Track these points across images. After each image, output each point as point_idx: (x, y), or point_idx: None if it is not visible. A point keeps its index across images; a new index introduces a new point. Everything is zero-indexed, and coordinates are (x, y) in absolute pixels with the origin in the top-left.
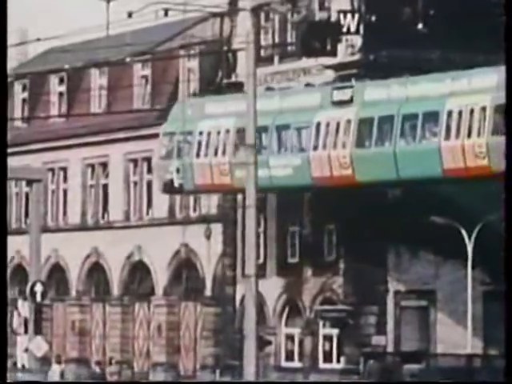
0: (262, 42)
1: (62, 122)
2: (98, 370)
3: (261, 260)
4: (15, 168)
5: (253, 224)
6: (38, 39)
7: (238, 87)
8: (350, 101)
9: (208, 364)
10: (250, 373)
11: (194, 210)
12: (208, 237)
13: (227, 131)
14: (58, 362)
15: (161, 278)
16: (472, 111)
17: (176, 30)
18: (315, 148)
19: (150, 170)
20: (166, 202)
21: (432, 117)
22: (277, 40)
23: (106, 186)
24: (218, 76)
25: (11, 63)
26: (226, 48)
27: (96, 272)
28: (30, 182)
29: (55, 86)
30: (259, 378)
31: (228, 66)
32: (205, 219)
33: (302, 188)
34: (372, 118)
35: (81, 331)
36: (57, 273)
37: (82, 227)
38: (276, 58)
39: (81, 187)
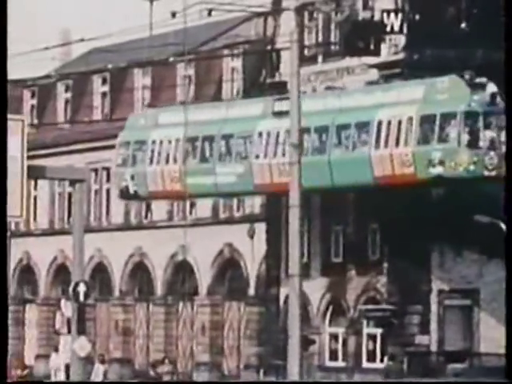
0: (306, 42)
1: (105, 122)
2: (152, 372)
3: (305, 259)
4: (58, 168)
5: (296, 223)
6: (82, 39)
7: (281, 87)
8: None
9: (252, 364)
10: (293, 372)
11: (238, 209)
12: (252, 236)
13: (177, 140)
14: (102, 362)
15: (204, 277)
16: (400, 122)
17: (220, 29)
18: (257, 156)
19: None
20: (209, 201)
21: (364, 127)
22: (320, 39)
23: None
24: (262, 75)
25: (54, 64)
26: (269, 47)
27: (139, 272)
28: (73, 182)
29: (98, 87)
30: (303, 378)
31: (271, 65)
32: (248, 219)
33: (245, 194)
34: (308, 128)
35: (124, 331)
36: (100, 273)
37: (126, 227)
38: (319, 58)
39: None
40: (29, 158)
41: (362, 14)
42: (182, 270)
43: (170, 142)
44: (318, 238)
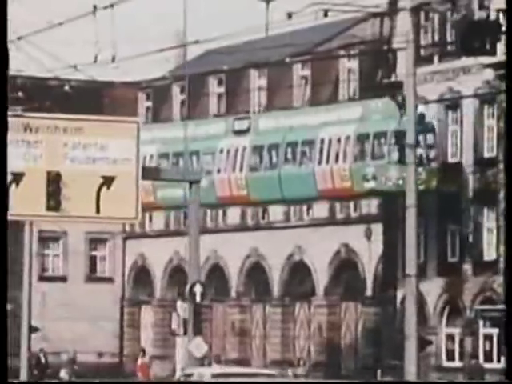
0: (422, 42)
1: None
2: (289, 372)
3: (421, 259)
4: (173, 170)
5: (413, 224)
6: (197, 41)
7: (397, 87)
8: (247, 130)
9: (369, 364)
10: (411, 373)
11: (355, 210)
12: (368, 237)
13: (151, 156)
14: (218, 363)
15: (321, 278)
16: (339, 139)
17: (336, 30)
18: (218, 171)
19: None
20: (325, 201)
21: (309, 144)
22: (436, 39)
23: None
24: (378, 76)
25: (169, 65)
26: (385, 48)
27: (256, 272)
28: (190, 184)
29: (214, 88)
30: (420, 378)
31: (388, 65)
32: (365, 219)
33: (208, 206)
34: (262, 145)
35: (241, 332)
36: (216, 273)
37: (242, 228)
38: (435, 58)
39: None
40: None
41: (478, 14)
42: (298, 271)
43: (144, 158)
44: (435, 238)
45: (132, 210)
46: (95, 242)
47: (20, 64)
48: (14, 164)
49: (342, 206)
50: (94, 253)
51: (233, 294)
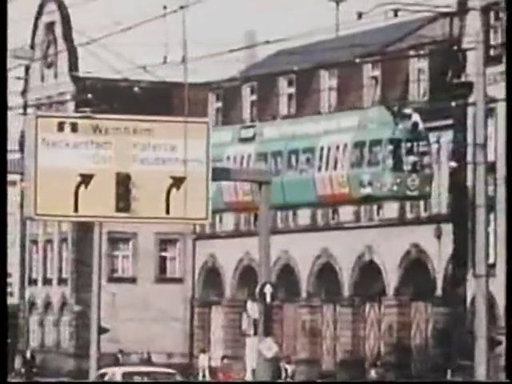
0: (492, 42)
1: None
2: (373, 373)
3: (491, 260)
4: (243, 170)
5: (482, 223)
6: (267, 41)
7: (467, 87)
8: (253, 138)
9: (439, 364)
10: (481, 373)
11: (425, 210)
12: (438, 237)
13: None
14: (288, 363)
15: (391, 278)
16: (338, 147)
17: (406, 30)
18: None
19: None
20: (395, 202)
21: (309, 152)
22: (506, 39)
23: None
24: (448, 76)
25: (239, 66)
26: (455, 48)
27: (326, 273)
28: (260, 184)
29: (284, 88)
30: (490, 378)
31: (457, 65)
32: (435, 219)
33: (215, 211)
34: (266, 152)
35: (311, 332)
36: (287, 274)
37: (312, 228)
38: (505, 58)
39: None
40: None
41: None
42: (369, 271)
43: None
44: (505, 237)
45: (202, 210)
46: (165, 242)
47: (89, 66)
48: (83, 165)
49: (412, 205)
50: (163, 253)
51: (303, 294)
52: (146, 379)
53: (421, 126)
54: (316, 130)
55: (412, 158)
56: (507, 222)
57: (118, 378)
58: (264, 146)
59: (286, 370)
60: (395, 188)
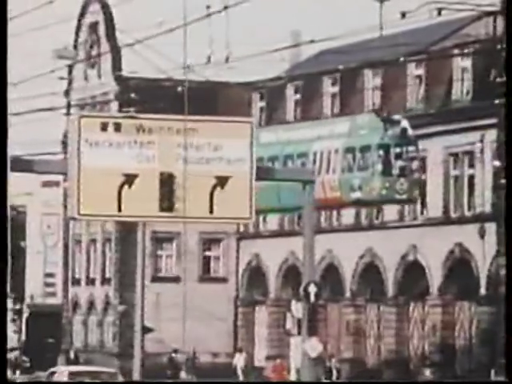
0: None
1: None
2: (428, 373)
3: None
4: (288, 169)
5: None
6: (312, 41)
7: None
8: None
9: (483, 363)
10: None
11: (469, 209)
12: (482, 236)
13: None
14: (331, 362)
15: (435, 277)
16: (329, 152)
17: (449, 29)
18: None
19: (424, 170)
20: (440, 201)
21: (303, 157)
22: None
23: None
24: (492, 75)
25: (283, 65)
26: (499, 47)
27: (370, 272)
28: (304, 184)
29: (328, 87)
30: None
31: (501, 65)
32: (479, 218)
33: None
34: (263, 157)
35: (355, 331)
36: (331, 273)
37: (356, 227)
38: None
39: None
40: None
41: None
42: (413, 270)
43: None
44: None
45: (246, 210)
46: (209, 242)
47: (133, 66)
48: (126, 165)
49: (456, 205)
50: (207, 253)
51: (347, 293)
52: (87, 379)
53: (409, 131)
54: (309, 135)
55: (400, 163)
56: (507, 222)
57: (65, 377)
58: (260, 151)
59: (338, 371)
60: (384, 192)
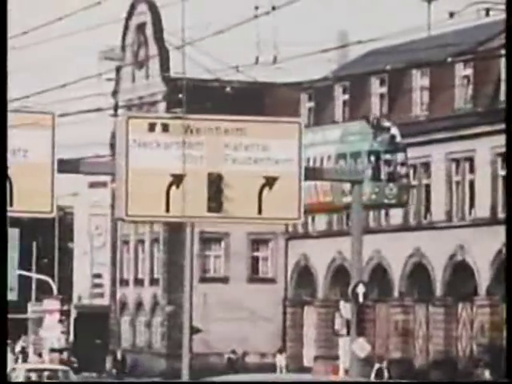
0: None
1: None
2: (487, 374)
3: None
4: (338, 169)
5: None
6: (360, 41)
7: None
8: None
9: None
10: None
11: None
12: None
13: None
14: (381, 363)
15: (483, 277)
16: (322, 158)
17: (497, 29)
18: None
19: (472, 170)
20: (488, 201)
21: None
22: None
23: (428, 186)
24: None
25: (331, 66)
26: None
27: (418, 272)
28: (352, 184)
29: (376, 88)
30: None
31: None
32: None
33: None
34: None
35: (404, 332)
36: (379, 273)
37: (405, 227)
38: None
39: None
40: None
41: None
42: (461, 271)
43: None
44: None
45: (294, 210)
46: (257, 242)
47: (181, 66)
48: (174, 166)
49: (503, 205)
50: (256, 253)
51: (395, 294)
52: (44, 375)
53: (398, 138)
54: (304, 141)
55: (389, 169)
56: (507, 222)
57: (22, 374)
58: None
59: (388, 371)
60: (373, 197)
